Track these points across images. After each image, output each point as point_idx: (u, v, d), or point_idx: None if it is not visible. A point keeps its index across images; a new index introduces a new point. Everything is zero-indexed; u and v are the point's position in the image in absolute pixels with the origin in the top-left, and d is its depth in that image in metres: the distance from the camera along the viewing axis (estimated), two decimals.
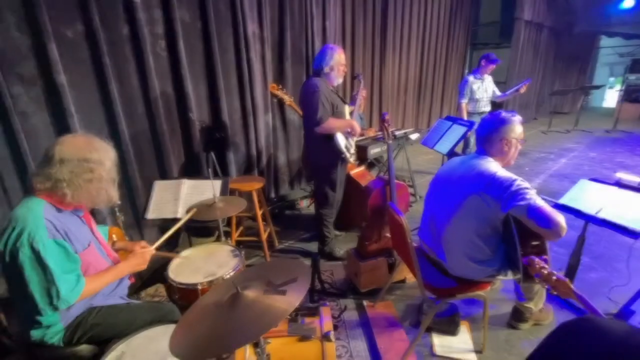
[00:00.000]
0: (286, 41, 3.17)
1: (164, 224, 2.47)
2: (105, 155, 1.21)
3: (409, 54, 5.38)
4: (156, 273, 1.71)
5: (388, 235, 2.18)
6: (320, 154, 2.29)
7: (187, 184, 2.06)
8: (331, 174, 2.33)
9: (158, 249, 1.42)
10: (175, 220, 1.58)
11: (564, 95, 8.76)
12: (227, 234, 2.52)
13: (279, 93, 2.71)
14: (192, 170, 2.71)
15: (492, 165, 1.47)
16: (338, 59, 2.21)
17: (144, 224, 2.51)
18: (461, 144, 3.63)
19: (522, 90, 3.74)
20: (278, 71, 3.23)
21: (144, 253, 1.34)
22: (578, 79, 9.21)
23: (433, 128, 3.23)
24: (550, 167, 4.66)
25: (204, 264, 1.56)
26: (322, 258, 2.52)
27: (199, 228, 2.77)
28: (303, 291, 0.99)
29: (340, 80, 2.31)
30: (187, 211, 1.67)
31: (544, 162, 4.87)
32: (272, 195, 3.43)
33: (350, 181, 2.61)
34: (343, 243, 2.74)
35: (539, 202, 1.30)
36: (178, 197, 1.99)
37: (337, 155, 2.27)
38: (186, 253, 1.65)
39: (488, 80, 3.94)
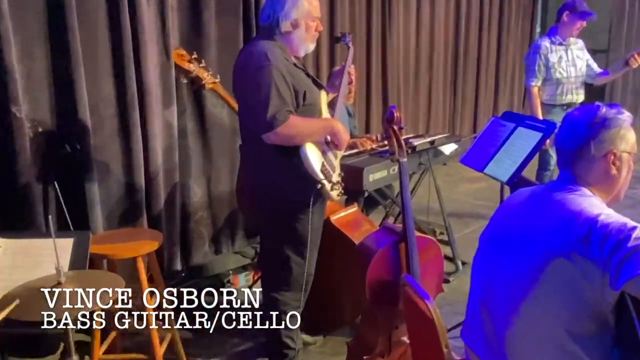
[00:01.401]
0: None
1: None
2: None
3: (433, 4, 5.67)
4: None
5: (405, 339, 2.19)
6: (275, 184, 2.31)
7: (2, 248, 2.01)
8: (295, 221, 2.35)
9: None
10: None
11: None
12: (83, 348, 2.43)
13: (193, 67, 2.74)
14: (14, 218, 2.68)
15: (591, 203, 1.53)
16: (307, 8, 2.29)
17: None
18: (534, 163, 3.78)
19: (635, 62, 3.89)
20: (191, 28, 3.29)
21: None
22: None
23: (482, 134, 3.36)
24: None
25: None
26: None
27: (26, 338, 2.65)
28: None
29: (311, 47, 2.39)
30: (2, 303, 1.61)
31: None
32: (178, 266, 3.40)
33: (331, 234, 2.63)
34: (319, 359, 2.71)
35: None
36: None
37: (307, 186, 2.30)
38: None
39: (577, 47, 4.18)
